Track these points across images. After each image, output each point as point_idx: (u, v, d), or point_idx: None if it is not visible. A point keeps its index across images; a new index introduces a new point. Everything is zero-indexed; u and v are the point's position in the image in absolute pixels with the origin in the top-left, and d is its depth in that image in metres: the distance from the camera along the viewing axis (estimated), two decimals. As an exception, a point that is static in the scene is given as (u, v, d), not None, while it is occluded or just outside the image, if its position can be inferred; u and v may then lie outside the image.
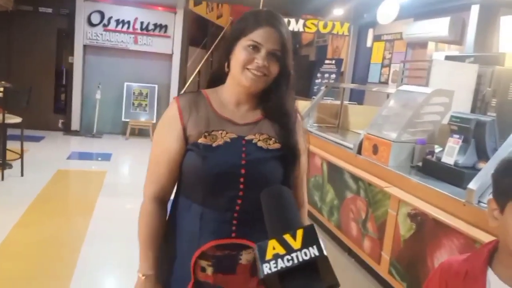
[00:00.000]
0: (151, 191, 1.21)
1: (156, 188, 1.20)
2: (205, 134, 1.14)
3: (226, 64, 1.19)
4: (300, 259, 0.60)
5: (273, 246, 0.63)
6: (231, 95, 1.20)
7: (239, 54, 1.14)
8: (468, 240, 2.13)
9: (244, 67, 1.13)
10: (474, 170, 2.48)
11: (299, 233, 0.63)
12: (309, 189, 3.98)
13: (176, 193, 1.24)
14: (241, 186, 1.13)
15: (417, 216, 2.53)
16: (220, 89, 1.23)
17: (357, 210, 3.23)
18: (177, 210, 1.22)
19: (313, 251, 0.61)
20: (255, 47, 1.12)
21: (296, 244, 0.62)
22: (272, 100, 1.19)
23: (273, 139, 1.18)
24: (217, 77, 1.24)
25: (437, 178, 2.65)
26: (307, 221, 1.34)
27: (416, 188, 2.61)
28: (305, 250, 0.61)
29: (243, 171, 1.13)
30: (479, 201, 2.17)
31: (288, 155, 1.18)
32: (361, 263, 3.23)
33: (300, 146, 1.22)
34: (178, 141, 1.16)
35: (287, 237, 0.63)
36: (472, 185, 2.20)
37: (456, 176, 2.53)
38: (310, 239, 0.62)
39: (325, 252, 0.61)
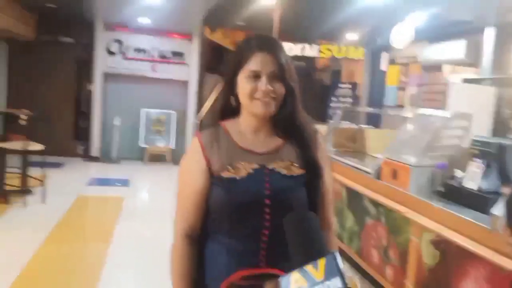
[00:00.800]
0: (182, 228, 1.21)
1: (186, 224, 1.21)
2: (228, 167, 1.16)
3: (233, 98, 1.22)
4: None
5: (295, 279, 0.62)
6: (248, 124, 1.22)
7: (243, 86, 1.17)
8: (495, 268, 2.07)
9: (252, 97, 1.16)
10: (498, 195, 2.43)
11: (321, 263, 0.62)
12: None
13: (205, 228, 1.24)
14: (267, 217, 1.14)
15: (440, 243, 2.48)
16: (237, 120, 1.25)
17: (378, 237, 3.18)
18: (204, 241, 1.22)
19: (335, 283, 0.59)
20: (255, 76, 1.15)
21: (318, 275, 0.61)
22: (280, 118, 1.20)
23: (295, 165, 1.19)
24: (226, 112, 1.26)
25: (459, 203, 2.60)
26: (335, 244, 1.33)
27: (439, 214, 2.56)
28: (327, 282, 0.60)
29: (267, 201, 1.14)
30: (505, 228, 2.12)
31: (311, 176, 1.19)
32: (383, 291, 3.16)
33: (321, 162, 1.22)
34: (203, 176, 1.18)
35: (309, 268, 0.62)
36: (496, 211, 2.16)
37: (480, 202, 2.48)
38: (332, 270, 0.61)
39: (349, 284, 0.60)
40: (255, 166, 1.17)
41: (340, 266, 0.61)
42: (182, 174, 1.24)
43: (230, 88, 1.22)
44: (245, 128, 1.22)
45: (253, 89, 1.15)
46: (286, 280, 0.63)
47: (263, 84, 1.14)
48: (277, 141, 1.22)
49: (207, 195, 1.19)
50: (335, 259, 0.62)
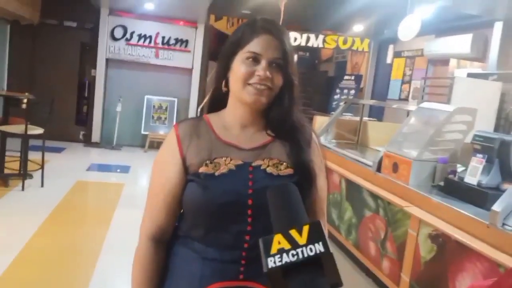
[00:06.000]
0: (148, 229, 1.09)
1: (153, 225, 1.09)
2: (207, 162, 1.03)
3: (224, 83, 1.09)
4: (305, 255, 0.60)
5: (278, 241, 0.63)
6: (235, 117, 1.09)
7: (238, 69, 1.03)
8: (492, 264, 2.05)
9: (245, 83, 1.02)
10: (498, 191, 2.41)
11: (305, 229, 0.63)
12: (327, 206, 3.92)
13: (175, 230, 1.11)
14: (249, 220, 1.00)
15: (438, 238, 2.46)
16: (222, 112, 1.12)
17: (376, 229, 3.16)
18: (176, 248, 1.09)
19: (318, 247, 0.60)
20: (254, 59, 1.02)
21: (301, 239, 0.62)
22: (274, 114, 1.07)
23: (284, 163, 1.05)
24: (218, 101, 1.13)
25: (460, 198, 2.58)
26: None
27: (438, 208, 2.54)
28: (310, 246, 0.61)
29: (250, 201, 1.00)
30: (504, 224, 2.10)
31: (301, 178, 1.04)
32: (379, 284, 3.15)
33: (315, 166, 1.07)
34: (176, 173, 1.05)
35: (293, 232, 0.63)
36: (496, 206, 2.14)
37: (480, 197, 2.46)
38: (316, 235, 0.62)
39: (330, 249, 0.60)
40: (238, 162, 1.04)
41: (324, 233, 0.62)
42: (154, 168, 1.11)
43: (223, 71, 1.08)
44: (231, 121, 1.09)
45: (248, 73, 1.01)
46: (267, 240, 0.63)
47: (261, 68, 1.01)
48: (265, 138, 1.08)
49: (180, 194, 1.05)
50: (319, 226, 0.63)
